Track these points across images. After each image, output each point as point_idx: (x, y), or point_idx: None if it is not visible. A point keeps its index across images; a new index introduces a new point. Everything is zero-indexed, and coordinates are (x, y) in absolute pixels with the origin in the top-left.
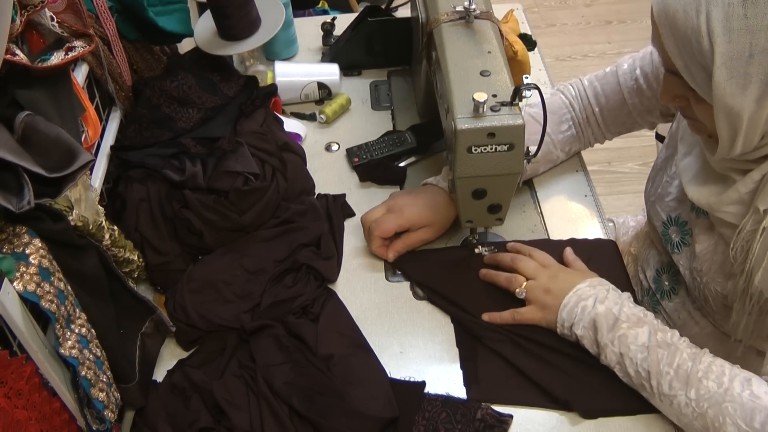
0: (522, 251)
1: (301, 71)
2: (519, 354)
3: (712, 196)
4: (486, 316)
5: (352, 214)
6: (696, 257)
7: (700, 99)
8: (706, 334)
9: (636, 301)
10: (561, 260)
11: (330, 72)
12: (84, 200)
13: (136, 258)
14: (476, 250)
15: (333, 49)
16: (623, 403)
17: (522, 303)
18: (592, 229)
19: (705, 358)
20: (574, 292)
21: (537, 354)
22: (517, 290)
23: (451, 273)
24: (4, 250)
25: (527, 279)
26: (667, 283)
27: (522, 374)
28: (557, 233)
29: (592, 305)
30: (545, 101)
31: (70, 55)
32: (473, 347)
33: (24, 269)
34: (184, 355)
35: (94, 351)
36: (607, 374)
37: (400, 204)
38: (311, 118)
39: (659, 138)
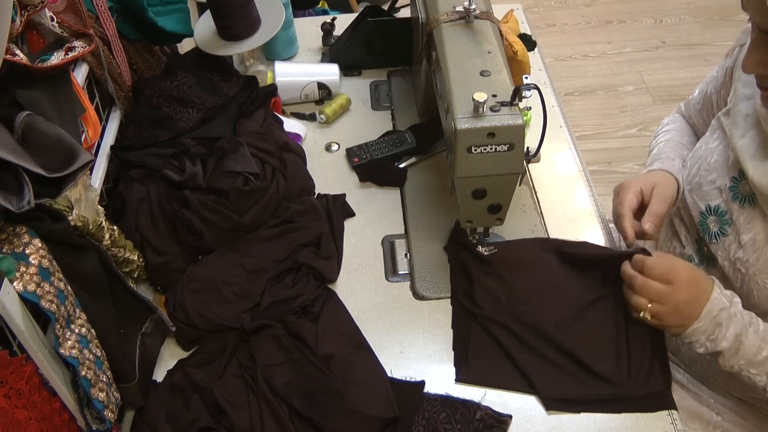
0: (636, 266)
1: (301, 71)
2: (512, 342)
3: None
4: (627, 265)
5: (352, 214)
6: (742, 247)
7: None
8: None
9: None
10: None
11: (330, 72)
12: (84, 200)
13: (136, 258)
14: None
15: (333, 49)
16: (606, 402)
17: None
18: (592, 229)
19: None
20: (707, 314)
21: (532, 346)
22: (642, 314)
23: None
24: (4, 250)
25: (650, 301)
26: None
27: (512, 363)
28: (557, 233)
29: (720, 336)
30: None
31: (70, 55)
32: (467, 330)
33: (24, 269)
34: (184, 355)
35: (94, 351)
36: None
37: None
38: (311, 118)
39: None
